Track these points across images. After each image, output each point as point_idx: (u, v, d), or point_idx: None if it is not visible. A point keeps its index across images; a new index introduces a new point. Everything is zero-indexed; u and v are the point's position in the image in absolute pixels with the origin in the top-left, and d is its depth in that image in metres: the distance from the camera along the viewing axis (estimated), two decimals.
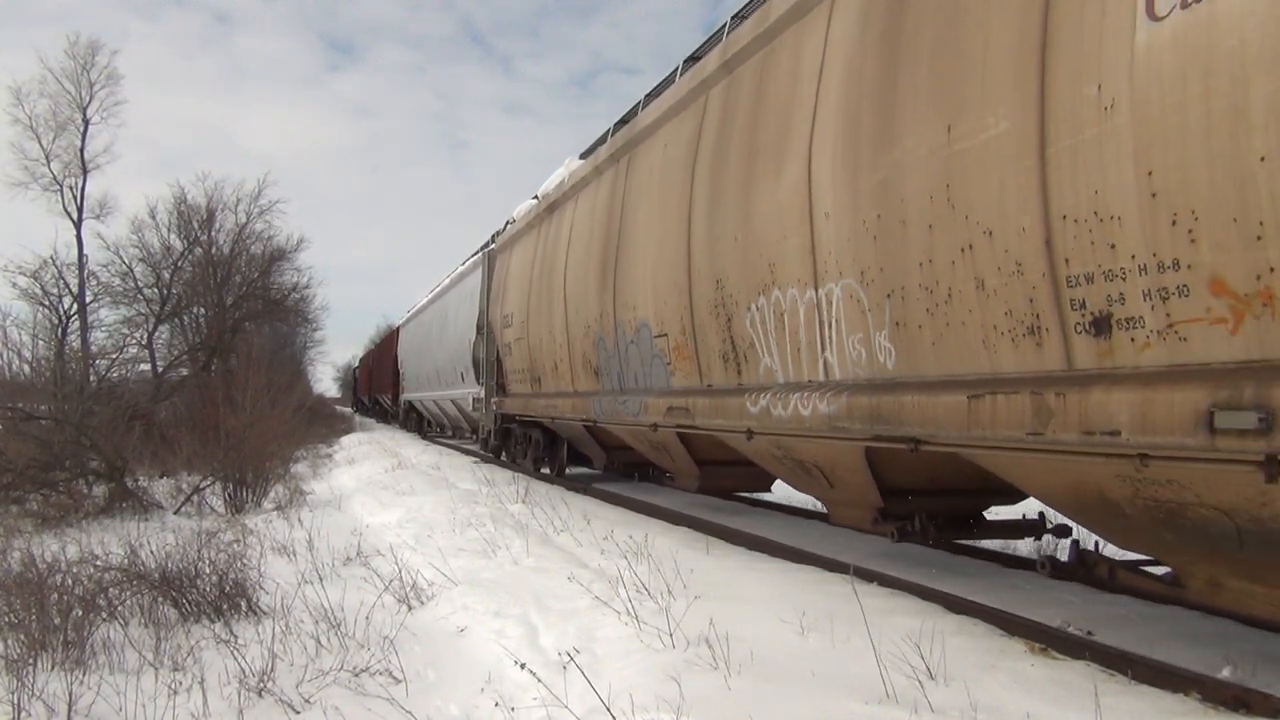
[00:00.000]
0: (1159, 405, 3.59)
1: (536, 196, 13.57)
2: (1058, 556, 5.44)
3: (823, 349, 6.02)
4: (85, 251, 30.60)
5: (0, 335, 16.55)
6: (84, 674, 4.66)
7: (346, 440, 29.54)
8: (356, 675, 4.61)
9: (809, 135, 6.09)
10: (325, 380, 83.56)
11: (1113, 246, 3.81)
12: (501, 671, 4.56)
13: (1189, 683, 3.97)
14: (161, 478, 13.87)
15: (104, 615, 5.57)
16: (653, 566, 6.28)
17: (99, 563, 6.40)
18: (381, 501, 12.19)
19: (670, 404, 8.28)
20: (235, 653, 4.79)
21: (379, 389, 44.27)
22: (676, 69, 9.11)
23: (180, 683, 4.49)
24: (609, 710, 3.71)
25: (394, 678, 4.59)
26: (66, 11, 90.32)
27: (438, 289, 24.67)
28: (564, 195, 11.91)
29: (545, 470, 14.17)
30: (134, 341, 27.73)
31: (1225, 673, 4.12)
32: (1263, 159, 3.18)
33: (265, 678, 4.45)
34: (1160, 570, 4.69)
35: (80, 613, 5.34)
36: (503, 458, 16.62)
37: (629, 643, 4.69)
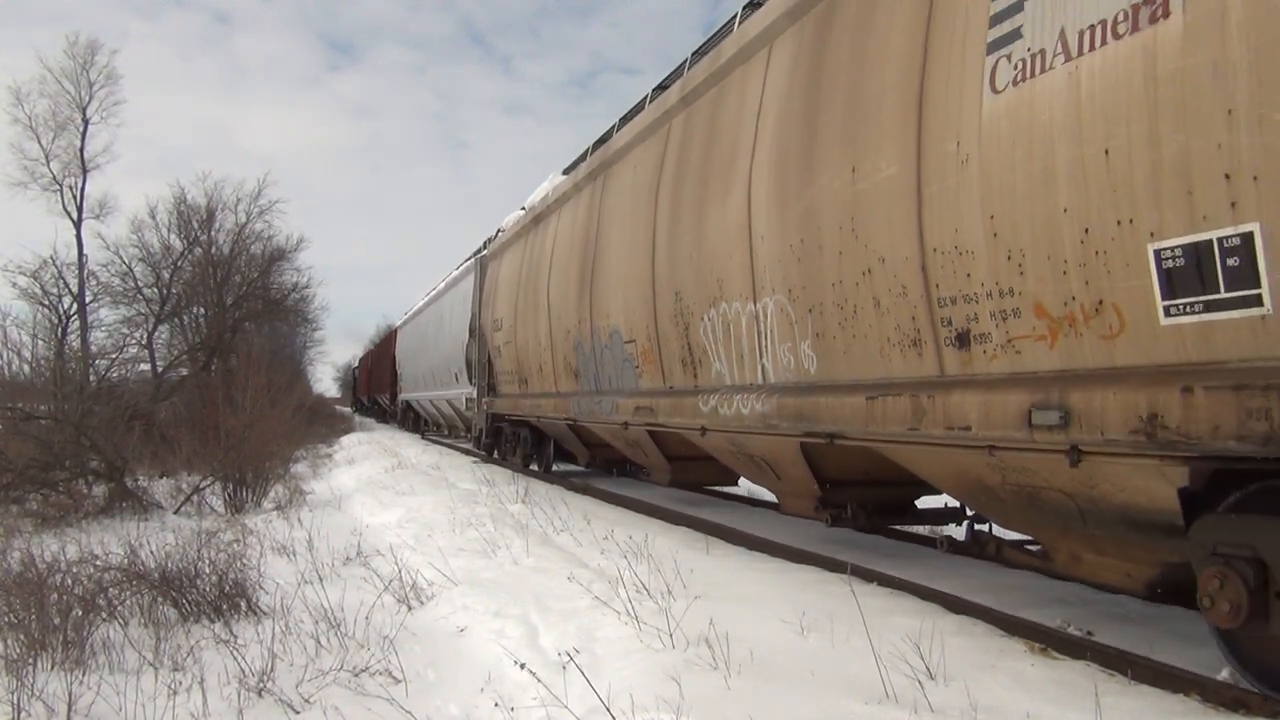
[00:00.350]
0: (998, 405, 4.43)
1: (524, 208, 14.36)
2: (954, 537, 6.20)
3: (760, 356, 6.82)
4: (85, 251, 30.65)
5: (0, 335, 16.58)
6: (84, 674, 4.66)
7: (346, 440, 29.53)
8: (356, 675, 4.61)
9: (749, 166, 6.86)
10: (325, 380, 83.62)
11: (969, 275, 4.61)
12: (501, 671, 4.56)
13: (1189, 683, 3.97)
14: (161, 478, 13.87)
15: (104, 615, 5.57)
16: (653, 566, 6.28)
17: (99, 563, 6.40)
18: (381, 501, 12.19)
19: (638, 404, 9.13)
20: (235, 653, 4.79)
21: (378, 389, 44.94)
22: (646, 97, 9.91)
23: (180, 683, 4.49)
24: (609, 710, 3.71)
25: (394, 678, 4.59)
26: (66, 11, 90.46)
27: (434, 292, 25.49)
28: (548, 208, 12.73)
29: (534, 467, 14.87)
30: (134, 341, 27.77)
31: (1225, 674, 4.13)
32: (1065, 210, 3.99)
33: (265, 678, 4.45)
34: (1035, 547, 5.30)
35: (80, 613, 5.34)
36: (495, 455, 17.27)
37: (629, 643, 4.69)
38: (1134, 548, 4.40)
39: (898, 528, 7.48)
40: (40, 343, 24.56)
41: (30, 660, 4.79)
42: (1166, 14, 3.56)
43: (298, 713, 4.20)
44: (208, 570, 6.21)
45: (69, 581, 5.91)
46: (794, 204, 6.14)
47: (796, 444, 6.57)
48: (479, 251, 18.38)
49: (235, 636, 5.24)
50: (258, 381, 14.24)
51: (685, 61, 8.94)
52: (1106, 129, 3.81)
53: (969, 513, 6.34)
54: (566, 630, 5.07)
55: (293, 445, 17.28)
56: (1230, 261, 3.37)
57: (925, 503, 7.08)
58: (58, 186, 30.86)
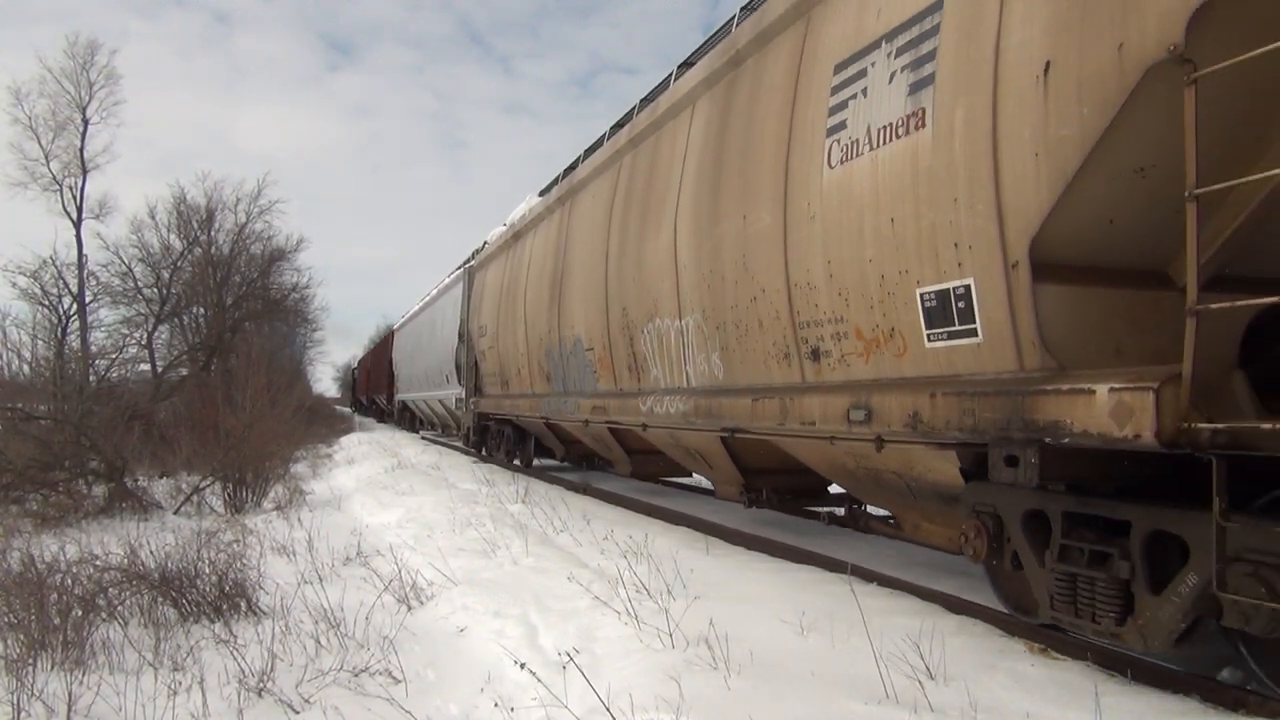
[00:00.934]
0: (831, 405, 5.74)
1: (506, 224, 15.88)
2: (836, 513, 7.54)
3: (685, 364, 8.10)
4: (85, 251, 30.68)
5: (0, 335, 16.58)
6: (84, 674, 4.65)
7: (346, 440, 29.52)
8: (356, 675, 4.61)
9: (676, 205, 8.08)
10: (325, 380, 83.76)
11: (816, 305, 5.87)
12: (501, 671, 4.56)
13: (1188, 684, 3.98)
14: (161, 478, 13.87)
15: (104, 615, 5.57)
16: (652, 566, 6.28)
17: (99, 563, 6.40)
18: (381, 501, 12.19)
19: (595, 404, 10.52)
20: (235, 653, 4.79)
21: (375, 389, 45.95)
22: (604, 134, 11.38)
23: (180, 683, 4.49)
24: (609, 710, 3.71)
25: (394, 678, 4.59)
26: (65, 11, 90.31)
27: (427, 298, 26.76)
28: (526, 227, 14.10)
29: (517, 462, 16.19)
30: (134, 341, 27.81)
31: (1225, 674, 4.13)
32: (870, 260, 5.24)
33: (265, 678, 4.45)
34: (892, 520, 6.44)
35: (80, 613, 5.34)
36: (483, 452, 18.59)
37: (629, 643, 4.69)
38: (948, 515, 5.45)
39: (812, 509, 8.46)
40: (40, 343, 24.60)
41: (30, 660, 4.79)
42: (923, 124, 4.80)
43: (298, 713, 4.20)
44: (208, 570, 6.21)
45: (69, 581, 5.91)
46: (706, 240, 7.39)
47: (718, 437, 7.74)
48: (468, 262, 19.63)
49: (235, 636, 5.23)
50: (258, 381, 14.24)
51: (634, 107, 10.40)
52: (891, 203, 5.04)
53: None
54: (566, 630, 5.07)
55: (293, 445, 17.28)
56: (960, 304, 4.66)
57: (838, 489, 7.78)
58: (58, 186, 30.91)
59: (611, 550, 7.22)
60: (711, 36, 8.66)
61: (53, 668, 4.77)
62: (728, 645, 4.34)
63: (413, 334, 28.87)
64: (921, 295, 4.91)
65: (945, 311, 4.78)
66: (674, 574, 6.03)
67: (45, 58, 47.82)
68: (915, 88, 4.94)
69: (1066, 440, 4.00)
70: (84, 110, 30.96)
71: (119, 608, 5.77)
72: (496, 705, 4.12)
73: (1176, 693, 3.95)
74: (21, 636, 5.05)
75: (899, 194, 4.98)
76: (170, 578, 6.02)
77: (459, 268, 21.02)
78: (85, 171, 31.09)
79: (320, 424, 31.05)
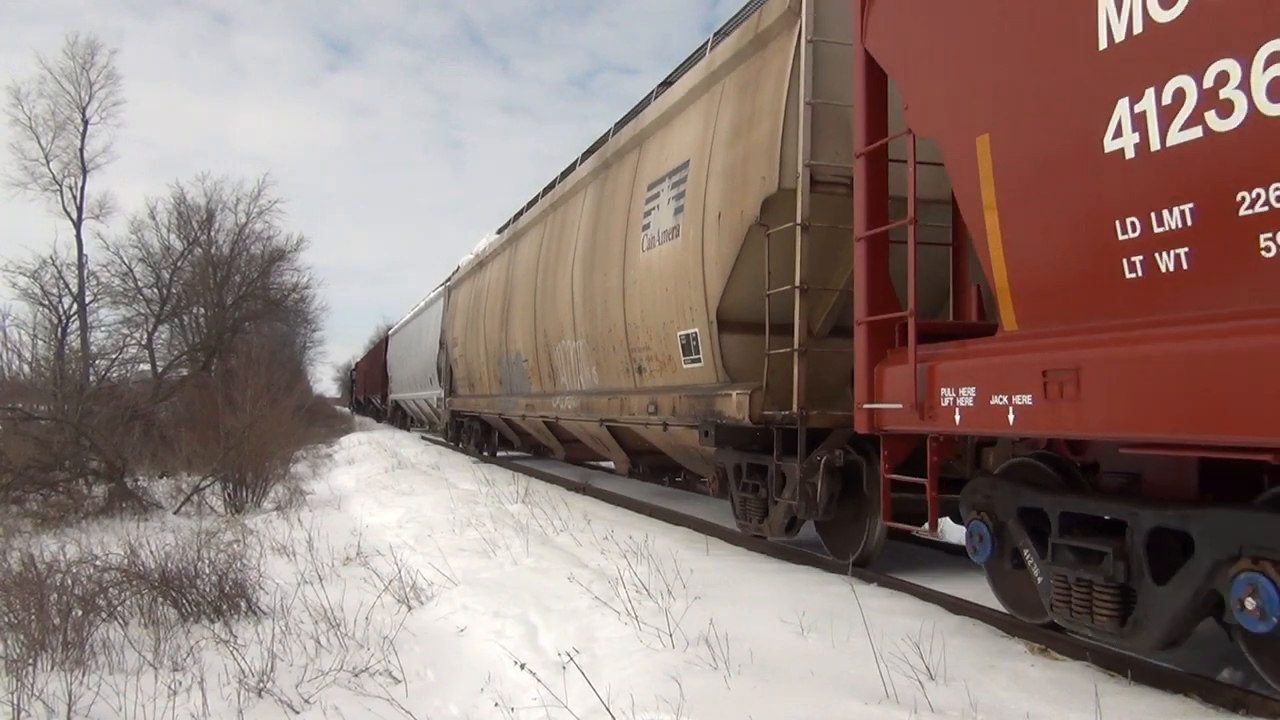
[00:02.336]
0: (642, 403, 8.82)
1: (473, 253, 19.23)
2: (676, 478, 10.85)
3: (578, 373, 11.08)
4: (85, 251, 30.71)
5: (0, 335, 16.58)
6: (84, 674, 4.66)
7: (346, 440, 29.51)
8: (356, 675, 4.61)
9: (573, 258, 11.06)
10: (325, 380, 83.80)
11: (639, 338, 8.96)
12: (501, 672, 4.55)
13: (1188, 684, 3.98)
14: (161, 478, 13.87)
15: (104, 615, 5.57)
16: (653, 567, 6.28)
17: (99, 563, 6.40)
18: (381, 501, 12.19)
19: (528, 402, 13.71)
20: (235, 653, 4.79)
21: (371, 389, 48.81)
22: (537, 195, 14.36)
23: (180, 683, 4.49)
24: (609, 710, 3.71)
25: (394, 678, 4.59)
26: (64, 11, 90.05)
27: (417, 309, 29.95)
28: (486, 258, 17.39)
29: (485, 452, 19.55)
30: (134, 342, 27.83)
31: (1225, 674, 4.13)
32: (659, 312, 8.33)
33: (265, 678, 4.45)
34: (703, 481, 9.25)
35: (80, 613, 5.34)
36: (459, 445, 22.05)
37: (629, 643, 4.69)
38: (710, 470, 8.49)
39: (674, 478, 11.34)
40: (40, 343, 24.66)
41: (30, 660, 4.79)
42: (677, 235, 7.97)
43: (297, 713, 4.20)
44: (208, 570, 6.21)
45: (69, 582, 5.91)
46: (588, 286, 10.41)
47: (605, 427, 10.60)
48: (446, 281, 23.18)
49: (235, 637, 5.23)
50: (258, 382, 14.24)
51: (556, 178, 13.48)
52: (666, 279, 8.17)
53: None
54: (566, 630, 5.07)
55: (293, 445, 17.29)
56: (693, 343, 7.77)
57: None
58: (57, 187, 30.94)
59: (612, 550, 7.21)
60: (599, 140, 11.70)
61: (53, 668, 4.77)
62: (728, 645, 4.33)
63: (403, 340, 32.05)
64: (680, 336, 8.03)
65: (689, 347, 7.89)
66: (674, 574, 6.02)
67: (45, 58, 47.81)
68: (676, 212, 8.06)
69: (723, 420, 7.26)
70: (84, 110, 31.02)
71: (119, 608, 5.77)
72: (496, 705, 4.12)
73: (1176, 693, 3.95)
74: (21, 636, 5.05)
75: (669, 274, 8.12)
76: (170, 578, 6.02)
77: (440, 285, 24.59)
78: (85, 172, 31.15)
79: (320, 424, 31.08)
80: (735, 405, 6.92)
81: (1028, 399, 4.17)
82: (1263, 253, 3.21)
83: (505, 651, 4.81)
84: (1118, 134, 3.69)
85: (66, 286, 29.99)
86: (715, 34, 8.37)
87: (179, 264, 31.72)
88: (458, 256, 22.43)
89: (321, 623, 5.36)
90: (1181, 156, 3.45)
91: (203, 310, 32.31)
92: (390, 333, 38.83)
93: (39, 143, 30.70)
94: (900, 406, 5.05)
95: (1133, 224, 3.68)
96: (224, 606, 5.85)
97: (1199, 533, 3.77)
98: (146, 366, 27.01)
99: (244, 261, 34.35)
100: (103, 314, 30.21)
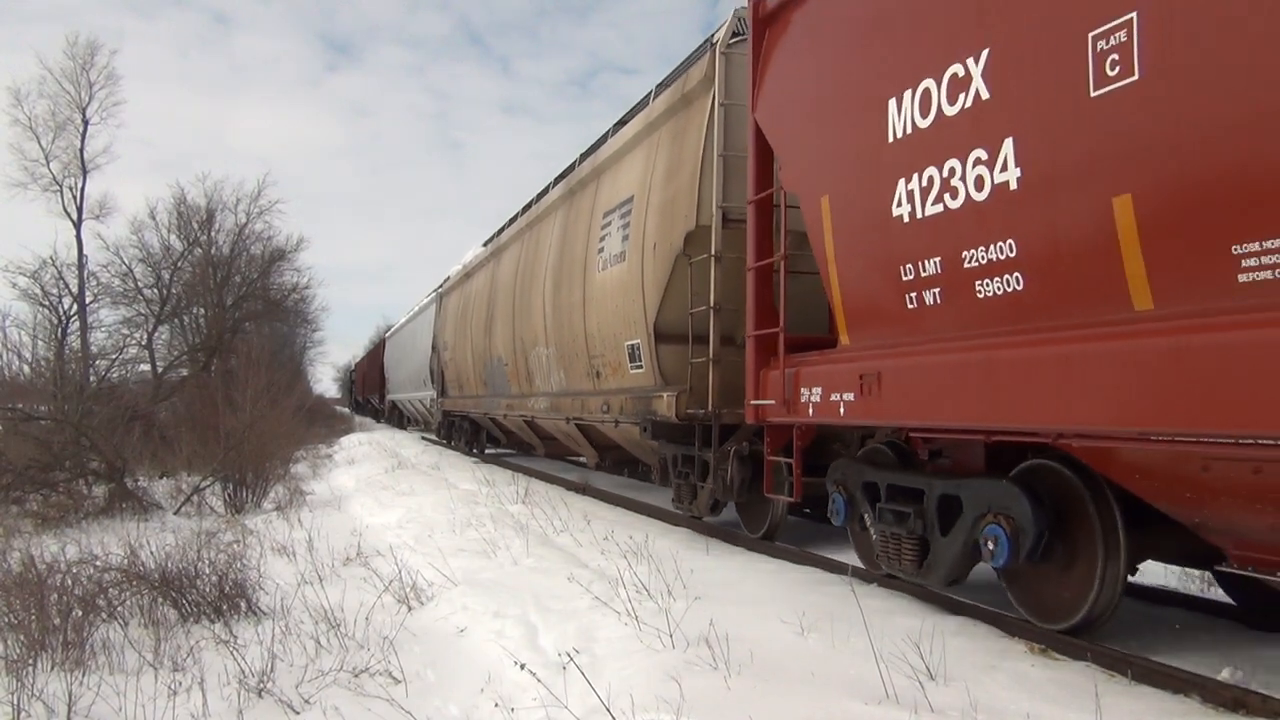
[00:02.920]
0: (599, 403, 10.17)
1: (461, 264, 20.88)
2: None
3: (550, 376, 12.47)
4: (85, 252, 30.67)
5: (0, 335, 16.57)
6: (84, 674, 4.65)
7: (346, 440, 29.51)
8: (356, 675, 4.60)
9: (544, 275, 12.49)
10: (325, 380, 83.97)
11: (596, 346, 10.22)
12: (501, 672, 4.55)
13: (1189, 684, 3.98)
14: (161, 478, 13.87)
15: (104, 616, 5.57)
16: (653, 567, 6.28)
17: (99, 563, 6.40)
18: (381, 501, 12.19)
19: (508, 402, 15.20)
20: (235, 653, 4.79)
21: (370, 390, 50.59)
22: (517, 214, 15.72)
23: (180, 683, 4.48)
24: (609, 710, 3.71)
25: (394, 678, 4.59)
26: (62, 10, 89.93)
27: (411, 314, 31.40)
28: (473, 269, 19.08)
29: (475, 449, 20.84)
30: (134, 342, 27.79)
31: (1225, 674, 4.13)
32: (611, 324, 9.78)
33: (265, 678, 4.45)
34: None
35: (80, 613, 5.34)
36: (451, 443, 23.38)
37: (629, 643, 4.69)
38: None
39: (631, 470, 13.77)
40: (40, 343, 24.63)
41: (30, 660, 4.79)
42: (624, 260, 9.33)
43: (298, 713, 4.20)
44: (208, 571, 6.20)
45: (69, 582, 5.91)
46: (556, 300, 11.80)
47: (575, 424, 11.90)
48: (439, 288, 24.32)
49: (235, 637, 5.23)
50: (258, 382, 14.24)
51: (532, 199, 14.83)
52: (615, 297, 9.53)
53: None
54: (566, 630, 5.07)
55: (293, 445, 17.29)
56: (637, 352, 9.05)
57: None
58: (57, 187, 30.91)
59: (612, 550, 7.21)
60: (568, 167, 12.93)
61: (53, 668, 4.77)
62: (728, 645, 4.33)
63: (399, 343, 33.75)
64: (627, 345, 9.34)
65: (634, 355, 9.15)
66: (674, 574, 6.02)
67: (45, 58, 47.81)
68: (624, 240, 9.40)
69: (657, 418, 8.56)
70: (84, 111, 30.99)
71: (119, 608, 5.76)
72: (497, 705, 4.12)
73: (1176, 693, 3.95)
74: (21, 636, 5.05)
75: (619, 292, 9.49)
76: (170, 578, 6.02)
77: (432, 292, 26.08)
78: (85, 172, 31.12)
79: (320, 424, 31.06)
80: (666, 404, 8.25)
81: (851, 396, 5.51)
82: (977, 294, 4.50)
83: (505, 652, 4.81)
84: (899, 204, 5.00)
85: (66, 287, 29.99)
86: (658, 86, 9.65)
87: (179, 264, 31.73)
88: (457, 257, 22.96)
89: (321, 623, 5.36)
90: (934, 223, 4.74)
91: (203, 310, 32.30)
92: (387, 335, 40.37)
93: (39, 143, 30.70)
94: (774, 402, 6.39)
95: (908, 269, 4.96)
96: (224, 607, 5.85)
97: (966, 497, 5.06)
98: (146, 367, 27.00)
99: (244, 262, 34.36)
100: (103, 314, 30.21)
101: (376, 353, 45.90)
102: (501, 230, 16.89)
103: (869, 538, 6.03)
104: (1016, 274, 4.28)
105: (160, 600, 5.89)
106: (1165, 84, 3.52)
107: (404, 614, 5.84)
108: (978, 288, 4.48)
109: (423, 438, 30.11)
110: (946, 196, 4.62)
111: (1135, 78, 3.62)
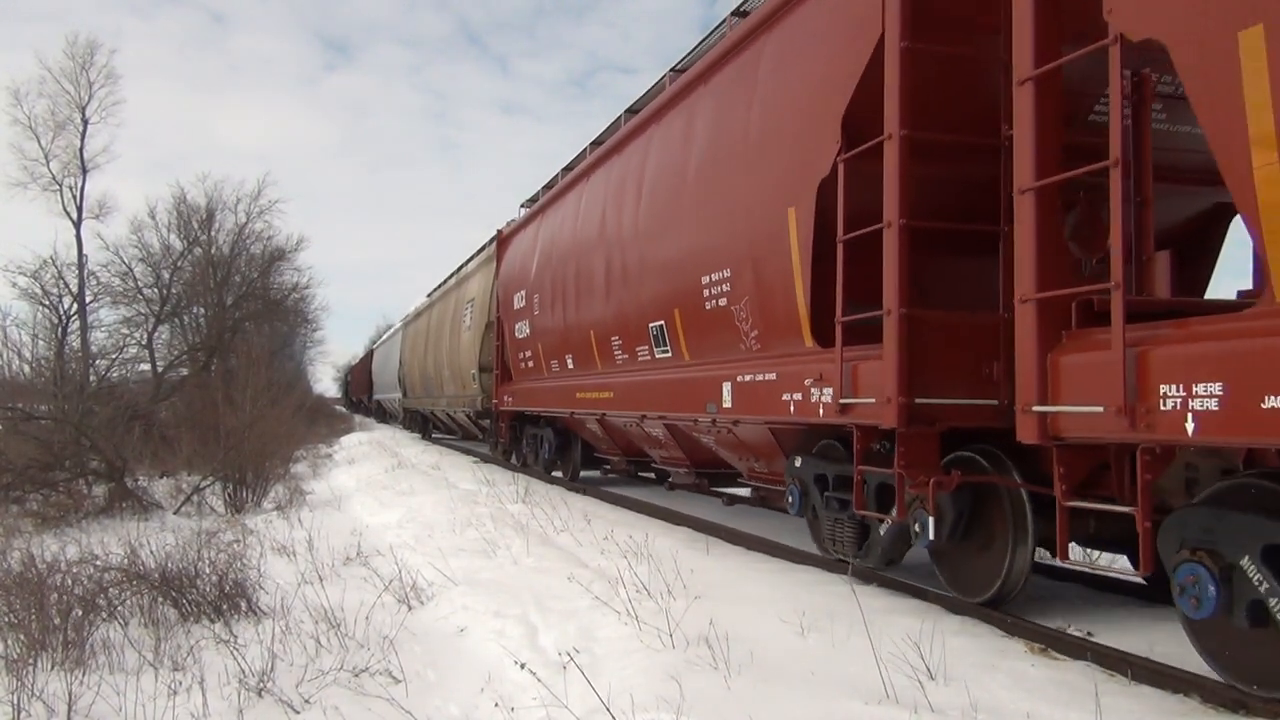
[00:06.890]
0: (449, 401, 22.09)
1: (414, 308, 28.65)
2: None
3: (443, 386, 21.37)
4: (85, 251, 30.61)
5: (1, 335, 16.58)
6: (84, 674, 4.66)
7: (346, 440, 29.53)
8: (356, 675, 4.61)
9: (446, 330, 21.00)
10: (325, 380, 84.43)
11: (460, 371, 19.57)
12: (501, 671, 4.56)
13: (1189, 684, 3.97)
14: (161, 478, 13.87)
15: (104, 615, 5.57)
16: (653, 566, 6.28)
17: (99, 563, 6.40)
18: (381, 501, 12.19)
19: (432, 401, 22.86)
20: (235, 653, 4.79)
21: (361, 391, 58.83)
22: (443, 281, 23.16)
23: (180, 683, 4.49)
24: (609, 710, 3.71)
25: (394, 678, 4.59)
26: (63, 10, 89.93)
27: (389, 332, 39.62)
28: (421, 310, 26.45)
29: (423, 435, 29.25)
30: (134, 341, 27.80)
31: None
32: (466, 365, 18.93)
33: (265, 678, 4.45)
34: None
35: (80, 613, 5.34)
36: (416, 433, 31.24)
37: (629, 642, 4.69)
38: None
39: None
40: (40, 343, 24.63)
41: (30, 660, 4.79)
42: (470, 329, 18.14)
43: (298, 713, 4.20)
44: (208, 570, 6.20)
45: (69, 581, 5.91)
46: (450, 345, 19.97)
47: (448, 413, 20.80)
48: (405, 317, 31.27)
49: (235, 636, 5.23)
50: (258, 381, 14.25)
51: (451, 274, 21.88)
52: (467, 349, 18.23)
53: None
54: (566, 630, 5.07)
55: (293, 445, 17.30)
56: (472, 376, 18.19)
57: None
58: (57, 186, 30.87)
59: (612, 550, 7.21)
60: (456, 269, 21.16)
61: (53, 668, 4.77)
62: (728, 645, 4.33)
63: (381, 355, 41.88)
64: (469, 373, 17.51)
65: (472, 378, 17.45)
66: (674, 574, 6.02)
67: (44, 58, 47.66)
68: (470, 318, 17.64)
69: (480, 410, 17.72)
70: (83, 110, 30.94)
71: (119, 608, 5.76)
72: (497, 705, 4.12)
73: (1176, 693, 3.95)
74: (22, 636, 5.05)
75: (469, 346, 17.66)
76: (170, 578, 6.02)
77: (399, 322, 34.44)
78: (85, 171, 31.07)
79: (321, 424, 31.09)
80: (472, 403, 16.92)
81: None
82: None
83: (505, 651, 4.82)
84: None
85: (66, 286, 29.93)
86: (498, 231, 16.07)
87: (179, 264, 31.73)
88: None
89: (321, 623, 5.36)
90: None
91: (203, 310, 32.30)
92: (374, 348, 50.30)
93: (39, 143, 30.63)
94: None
95: None
96: (224, 606, 5.85)
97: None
98: (146, 366, 27.01)
99: (244, 261, 34.37)
100: (103, 314, 30.17)
101: (366, 360, 55.54)
102: (433, 292, 25.57)
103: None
104: None
105: (160, 600, 5.89)
106: None
107: (404, 614, 5.84)
108: None
109: (421, 438, 30.24)
110: None
111: None
